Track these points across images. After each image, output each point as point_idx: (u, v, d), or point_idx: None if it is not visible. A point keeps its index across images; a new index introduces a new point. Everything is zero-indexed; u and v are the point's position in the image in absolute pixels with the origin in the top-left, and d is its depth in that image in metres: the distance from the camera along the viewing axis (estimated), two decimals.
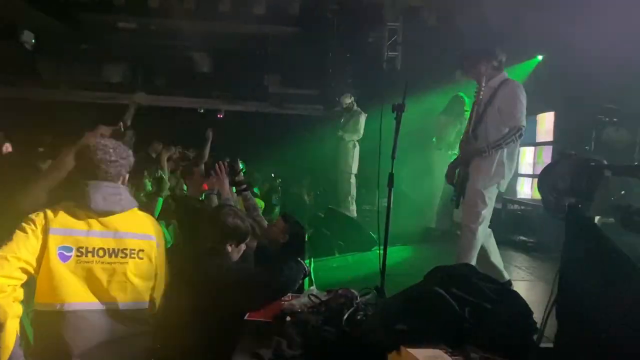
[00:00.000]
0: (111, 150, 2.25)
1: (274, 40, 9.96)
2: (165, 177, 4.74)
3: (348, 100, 7.66)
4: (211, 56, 10.39)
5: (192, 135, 7.08)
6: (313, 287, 2.66)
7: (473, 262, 3.50)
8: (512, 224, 6.38)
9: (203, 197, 3.54)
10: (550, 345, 2.06)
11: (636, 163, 5.37)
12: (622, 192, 5.06)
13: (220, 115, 10.62)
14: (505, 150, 3.51)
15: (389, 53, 8.57)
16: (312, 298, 2.42)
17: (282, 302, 2.46)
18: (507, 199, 6.68)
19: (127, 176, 2.35)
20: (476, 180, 3.55)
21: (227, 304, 2.42)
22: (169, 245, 3.45)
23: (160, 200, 4.37)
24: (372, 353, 1.98)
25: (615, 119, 6.02)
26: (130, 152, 2.37)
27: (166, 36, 9.73)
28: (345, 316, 2.20)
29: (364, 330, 2.09)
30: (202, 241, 2.69)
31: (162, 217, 4.18)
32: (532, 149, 7.79)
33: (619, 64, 5.80)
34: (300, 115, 10.96)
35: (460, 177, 3.66)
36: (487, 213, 3.58)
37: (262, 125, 10.38)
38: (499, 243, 5.81)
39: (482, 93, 3.59)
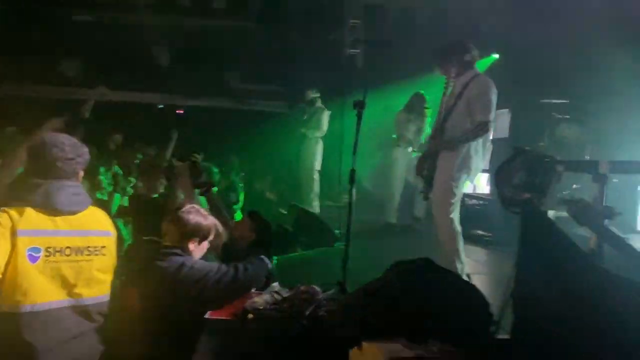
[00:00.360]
0: (67, 148, 2.19)
1: (235, 35, 9.84)
2: (121, 172, 4.62)
3: (313, 94, 7.66)
4: (170, 51, 10.17)
5: (151, 132, 6.94)
6: (275, 284, 2.66)
7: (461, 251, 3.55)
8: (469, 218, 6.50)
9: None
10: (507, 336, 2.11)
11: (587, 158, 5.58)
12: (574, 187, 5.26)
13: (180, 111, 10.43)
14: (473, 143, 3.56)
15: (350, 50, 8.60)
16: (275, 295, 2.41)
17: (244, 300, 2.44)
18: (464, 194, 6.81)
19: (81, 173, 2.30)
20: (444, 173, 3.58)
21: (188, 302, 2.39)
22: (127, 244, 3.37)
23: (117, 196, 4.26)
24: (335, 348, 1.99)
25: (567, 116, 6.25)
26: (86, 149, 2.31)
27: (124, 30, 9.47)
28: (308, 312, 2.20)
29: (326, 326, 2.10)
30: (163, 239, 2.64)
31: (119, 215, 4.08)
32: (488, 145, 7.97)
33: (572, 62, 6.01)
34: (263, 111, 10.87)
35: (428, 170, 3.70)
36: (455, 203, 3.62)
37: (223, 121, 10.25)
38: None
39: (451, 86, 3.64)
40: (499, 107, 7.27)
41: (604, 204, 2.60)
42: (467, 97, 3.56)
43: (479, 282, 3.87)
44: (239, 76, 10.93)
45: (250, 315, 2.24)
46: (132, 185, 4.50)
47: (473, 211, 6.65)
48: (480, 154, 3.64)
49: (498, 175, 2.82)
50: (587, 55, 5.88)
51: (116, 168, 4.73)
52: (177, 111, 10.51)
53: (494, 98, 3.54)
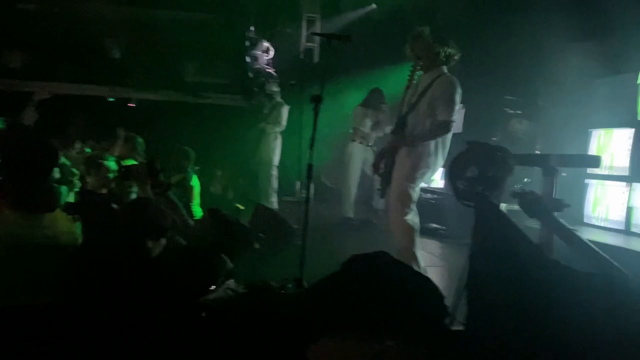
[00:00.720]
0: None
1: (189, 26, 9.64)
2: (70, 164, 4.43)
3: (274, 88, 7.60)
4: (121, 42, 9.86)
5: (101, 126, 6.72)
6: (230, 281, 2.60)
7: (418, 245, 3.50)
8: (424, 212, 6.61)
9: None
10: (462, 328, 2.14)
11: (537, 152, 5.76)
12: (525, 180, 5.42)
13: (131, 105, 10.15)
14: (433, 141, 3.51)
15: (307, 44, 8.58)
16: (230, 292, 2.37)
17: (197, 298, 2.38)
18: (421, 188, 6.92)
19: None
20: (402, 170, 3.53)
21: (143, 299, 2.31)
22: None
23: (64, 188, 4.07)
24: (291, 345, 1.96)
25: (519, 112, 6.44)
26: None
27: (72, 20, 9.12)
28: (263, 309, 2.17)
29: (282, 323, 2.07)
30: (118, 237, 2.55)
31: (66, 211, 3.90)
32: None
33: (523, 60, 6.18)
34: (219, 105, 10.70)
35: (386, 167, 3.64)
36: (412, 202, 3.57)
37: (177, 115, 10.02)
38: None
39: (416, 81, 3.56)
40: None
41: (553, 196, 2.67)
42: (431, 96, 3.50)
43: (434, 274, 3.93)
44: (194, 69, 10.73)
45: (203, 314, 2.18)
46: (78, 177, 4.31)
47: (428, 205, 6.75)
48: (440, 152, 3.59)
49: (452, 169, 2.85)
50: (537, 52, 6.06)
51: (63, 159, 4.52)
52: (128, 104, 10.22)
53: (457, 98, 3.50)
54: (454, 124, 3.50)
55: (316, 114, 3.22)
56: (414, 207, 3.56)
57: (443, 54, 3.56)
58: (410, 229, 3.51)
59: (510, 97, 6.47)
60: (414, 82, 3.61)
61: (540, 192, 2.70)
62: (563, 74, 5.85)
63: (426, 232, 6.05)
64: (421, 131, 3.50)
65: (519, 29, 6.04)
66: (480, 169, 2.64)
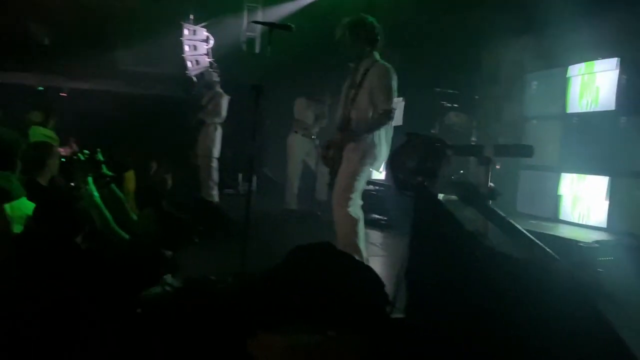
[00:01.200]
0: None
1: (125, 13, 9.26)
2: None
3: (215, 78, 7.42)
4: (52, 28, 9.34)
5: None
6: (168, 276, 2.52)
7: (361, 237, 3.50)
8: (366, 203, 6.71)
9: None
10: (402, 316, 2.17)
11: (473, 143, 5.95)
12: (462, 171, 5.59)
13: (63, 94, 9.65)
14: (376, 132, 3.51)
15: (248, 33, 8.45)
16: (167, 287, 2.29)
17: (135, 294, 2.29)
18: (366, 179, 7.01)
19: None
20: (349, 164, 3.52)
21: (76, 296, 2.20)
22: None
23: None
24: (231, 339, 1.93)
25: (456, 105, 6.63)
26: None
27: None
28: (203, 303, 2.11)
29: (222, 317, 2.02)
30: (53, 229, 2.42)
31: None
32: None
33: (460, 55, 6.36)
34: (157, 95, 10.36)
35: (333, 161, 3.62)
36: (358, 195, 3.56)
37: (113, 105, 9.62)
38: None
39: (351, 74, 3.54)
40: None
41: (488, 186, 2.76)
42: (369, 86, 3.50)
43: (376, 264, 3.98)
44: (131, 58, 10.33)
45: (139, 310, 2.10)
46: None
47: (369, 196, 6.84)
48: (384, 142, 3.59)
49: (392, 161, 2.90)
50: (473, 47, 6.26)
51: None
52: (60, 94, 9.71)
53: (394, 84, 3.51)
54: (395, 111, 3.52)
55: (257, 105, 3.15)
56: (358, 199, 3.57)
57: (375, 44, 3.56)
58: (353, 220, 3.51)
59: (448, 91, 6.65)
60: (350, 74, 3.58)
61: (476, 182, 2.78)
62: (497, 69, 6.07)
63: (368, 223, 6.14)
64: (365, 124, 3.51)
65: (456, 25, 6.21)
66: (419, 159, 2.69)
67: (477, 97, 6.31)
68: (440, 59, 6.45)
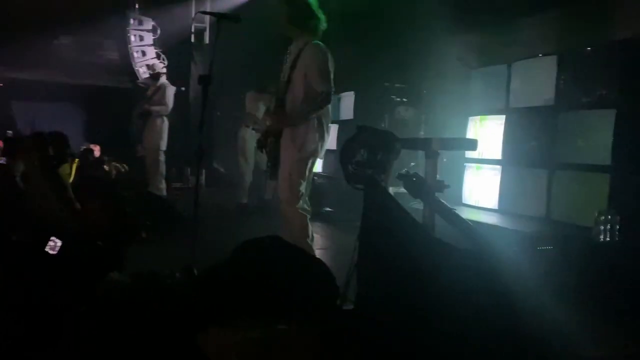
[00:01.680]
0: None
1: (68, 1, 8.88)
2: None
3: (159, 68, 7.24)
4: None
5: None
6: (114, 273, 2.45)
7: (310, 229, 3.37)
8: (317, 196, 6.76)
9: None
10: (352, 307, 2.20)
11: (422, 137, 6.08)
12: (412, 164, 5.71)
13: None
14: (315, 117, 3.33)
15: (197, 24, 8.29)
16: (114, 284, 2.23)
17: (79, 290, 2.21)
18: (313, 173, 7.04)
19: None
20: (289, 151, 3.34)
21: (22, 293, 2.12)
22: None
23: None
24: (181, 334, 1.90)
25: (405, 99, 6.76)
26: None
27: None
28: (151, 299, 2.07)
29: (172, 312, 1.99)
30: None
31: None
32: (335, 126, 8.30)
33: (408, 50, 6.47)
34: (102, 86, 10.01)
35: (272, 149, 3.42)
36: (304, 185, 3.39)
37: (53, 96, 9.22)
38: None
39: (288, 55, 3.35)
40: (345, 89, 7.69)
41: (435, 178, 2.83)
42: (303, 68, 3.30)
43: (326, 257, 4.02)
44: (73, 47, 9.92)
45: (83, 308, 2.04)
46: None
47: (321, 189, 6.89)
48: (325, 125, 3.42)
49: (342, 153, 2.91)
50: (421, 43, 6.38)
51: None
52: None
53: (331, 66, 3.31)
54: (333, 92, 3.32)
55: (205, 96, 3.08)
56: (304, 190, 3.43)
57: (313, 24, 3.37)
58: (303, 217, 3.38)
59: (397, 85, 6.77)
60: (286, 57, 3.39)
61: (424, 174, 2.84)
62: (444, 65, 6.22)
63: (319, 216, 6.20)
64: (301, 108, 3.31)
65: (406, 20, 6.31)
66: (369, 152, 2.72)
67: (425, 91, 6.45)
68: (390, 54, 6.54)
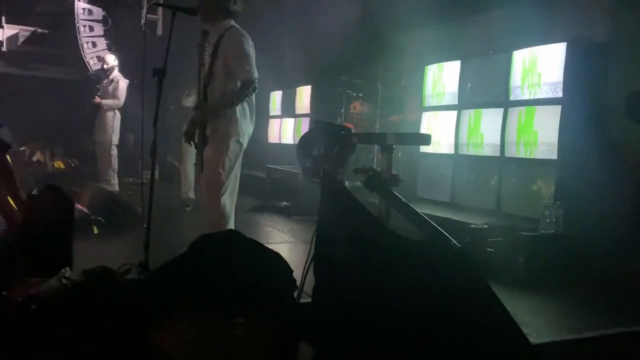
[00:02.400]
0: None
1: None
2: None
3: (111, 60, 7.03)
4: None
5: None
6: (66, 269, 2.37)
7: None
8: (275, 191, 6.76)
9: None
10: (309, 300, 2.22)
11: (377, 131, 6.16)
12: (370, 157, 5.78)
13: None
14: (239, 106, 3.24)
15: (149, 16, 8.10)
16: (64, 281, 2.16)
17: (27, 289, 2.13)
18: (270, 167, 7.03)
19: None
20: (213, 144, 3.25)
21: None
22: None
23: None
24: (134, 331, 1.87)
25: (360, 94, 6.83)
26: None
27: None
28: (103, 296, 2.02)
29: (124, 309, 1.96)
30: None
31: None
32: (292, 120, 8.29)
33: (365, 46, 6.55)
34: (50, 78, 9.64)
35: (200, 141, 3.29)
36: (232, 180, 3.29)
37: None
38: (264, 210, 6.07)
39: (206, 42, 3.23)
40: (301, 84, 7.69)
41: (390, 172, 2.88)
42: (222, 55, 3.20)
43: (284, 250, 4.03)
44: (19, 37, 9.52)
45: (33, 306, 1.96)
46: None
47: (278, 184, 6.89)
48: (248, 113, 3.33)
49: (299, 148, 2.93)
50: (376, 38, 6.46)
51: None
52: None
53: (252, 51, 3.21)
54: (257, 81, 3.21)
55: (159, 89, 3.02)
56: (231, 183, 3.31)
57: (233, 8, 3.29)
58: (223, 217, 3.26)
59: (353, 80, 6.83)
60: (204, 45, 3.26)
61: (379, 168, 2.89)
62: (398, 60, 6.32)
63: (277, 211, 6.21)
64: (224, 97, 3.22)
65: (362, 15, 6.38)
66: (325, 147, 2.75)
67: (380, 87, 6.53)
68: (346, 49, 6.59)
